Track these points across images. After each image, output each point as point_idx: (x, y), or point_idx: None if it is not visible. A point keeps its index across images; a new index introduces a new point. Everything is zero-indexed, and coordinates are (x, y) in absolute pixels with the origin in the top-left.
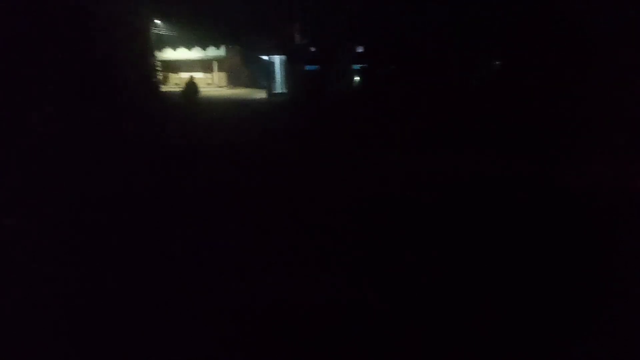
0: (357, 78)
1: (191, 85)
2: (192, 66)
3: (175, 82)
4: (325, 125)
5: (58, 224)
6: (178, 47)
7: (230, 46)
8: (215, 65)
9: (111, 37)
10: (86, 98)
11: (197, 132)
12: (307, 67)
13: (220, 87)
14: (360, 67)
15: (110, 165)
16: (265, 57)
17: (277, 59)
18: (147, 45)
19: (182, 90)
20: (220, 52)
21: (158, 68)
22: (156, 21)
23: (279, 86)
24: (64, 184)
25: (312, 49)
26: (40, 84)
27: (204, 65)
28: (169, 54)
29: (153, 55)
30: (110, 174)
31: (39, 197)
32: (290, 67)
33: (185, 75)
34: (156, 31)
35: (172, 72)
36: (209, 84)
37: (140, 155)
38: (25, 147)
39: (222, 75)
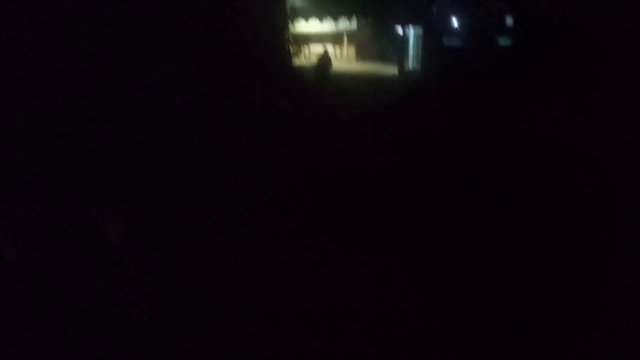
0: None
1: (325, 60)
2: (322, 39)
3: (305, 56)
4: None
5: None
6: (310, 18)
7: (362, 18)
8: (345, 38)
9: (248, 10)
10: (220, 75)
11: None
12: (447, 42)
13: (349, 61)
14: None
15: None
16: (398, 30)
17: (411, 32)
18: (283, 18)
19: (315, 65)
20: (352, 24)
21: (291, 41)
22: None
23: (412, 62)
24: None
25: (455, 22)
26: (171, 64)
27: (334, 38)
28: (299, 26)
29: (287, 28)
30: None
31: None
32: (427, 42)
33: (315, 49)
34: (290, 2)
35: (303, 45)
36: (337, 57)
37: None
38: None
39: (352, 48)
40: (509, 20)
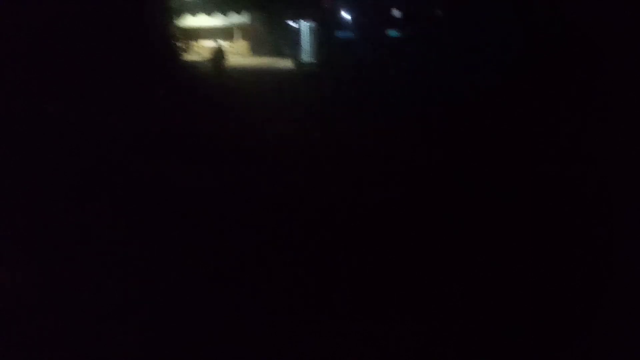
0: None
1: (219, 55)
2: (212, 34)
3: (196, 52)
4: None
5: None
6: (197, 13)
7: (253, 12)
8: (236, 33)
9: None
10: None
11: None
12: (339, 34)
13: (243, 56)
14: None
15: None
16: (292, 24)
17: (304, 26)
18: (167, 12)
19: (209, 60)
20: (243, 18)
21: (178, 37)
22: None
23: (307, 55)
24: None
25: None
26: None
27: (225, 33)
28: (187, 21)
29: (173, 23)
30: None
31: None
32: (320, 34)
33: (205, 44)
34: None
35: (192, 41)
36: (230, 52)
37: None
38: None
39: (245, 43)
40: (399, 12)
